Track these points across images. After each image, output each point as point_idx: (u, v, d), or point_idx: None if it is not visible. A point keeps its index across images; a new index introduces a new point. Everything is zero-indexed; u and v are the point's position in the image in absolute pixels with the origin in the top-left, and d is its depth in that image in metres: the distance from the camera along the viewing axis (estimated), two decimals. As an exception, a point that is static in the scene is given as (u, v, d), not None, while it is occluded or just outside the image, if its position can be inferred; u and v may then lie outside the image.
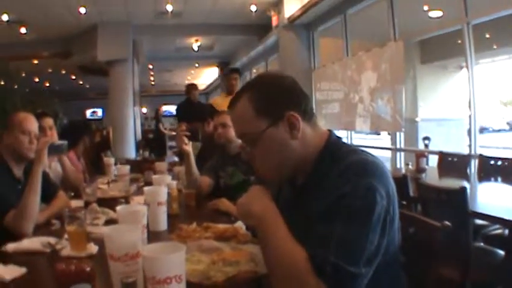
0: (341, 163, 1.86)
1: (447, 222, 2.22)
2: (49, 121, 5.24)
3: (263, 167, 2.04)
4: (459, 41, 8.70)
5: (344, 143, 2.07)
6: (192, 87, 10.98)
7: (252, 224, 1.95)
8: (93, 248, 2.74)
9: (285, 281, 1.70)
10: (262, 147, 1.97)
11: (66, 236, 2.85)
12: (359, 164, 1.83)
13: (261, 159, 2.02)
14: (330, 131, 2.09)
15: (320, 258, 1.63)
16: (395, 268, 1.98)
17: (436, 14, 10.85)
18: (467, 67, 8.25)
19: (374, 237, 1.71)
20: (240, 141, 2.08)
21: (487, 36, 12.69)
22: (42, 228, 3.40)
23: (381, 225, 1.74)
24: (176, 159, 9.46)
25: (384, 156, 6.52)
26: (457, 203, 3.78)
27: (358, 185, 1.74)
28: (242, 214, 1.99)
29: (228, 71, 7.51)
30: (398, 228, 1.93)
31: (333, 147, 2.00)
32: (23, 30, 14.80)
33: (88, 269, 1.73)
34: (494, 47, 14.26)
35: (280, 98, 1.97)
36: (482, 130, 10.73)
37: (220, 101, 7.65)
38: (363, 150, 1.98)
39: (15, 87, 14.41)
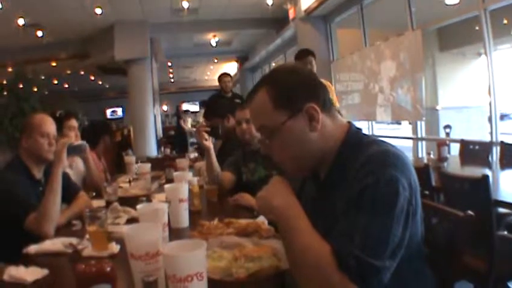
0: (362, 155, 1.84)
1: (470, 212, 2.19)
2: (74, 122, 5.28)
3: (282, 160, 2.03)
4: (477, 28, 8.63)
5: (364, 134, 2.05)
6: (221, 76, 10.18)
7: (273, 218, 1.92)
8: (114, 248, 2.74)
9: (309, 276, 1.69)
10: (281, 140, 1.96)
11: (87, 236, 2.86)
12: (380, 155, 1.81)
13: (280, 152, 2.01)
14: (349, 122, 2.07)
15: (344, 252, 1.62)
16: (419, 261, 1.96)
17: (452, 1, 10.77)
18: (485, 53, 8.18)
19: (398, 229, 1.69)
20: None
21: (505, 22, 12.59)
22: (63, 229, 3.41)
23: (404, 217, 1.72)
24: (197, 155, 9.47)
25: (405, 146, 6.49)
26: (479, 191, 3.74)
27: (380, 177, 1.72)
28: (262, 208, 1.98)
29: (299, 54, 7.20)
30: (421, 220, 1.90)
31: (354, 139, 1.99)
32: (39, 33, 14.84)
33: (108, 269, 1.72)
34: (512, 33, 14.15)
35: (298, 90, 1.96)
36: (503, 117, 10.66)
37: None
38: (383, 141, 1.96)
39: (35, 89, 14.50)
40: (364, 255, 1.61)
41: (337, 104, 6.89)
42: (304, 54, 6.77)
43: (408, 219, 1.75)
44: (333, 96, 6.73)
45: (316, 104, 1.94)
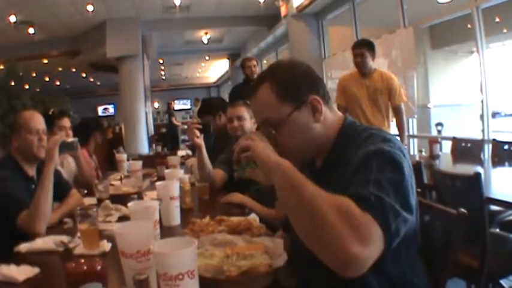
0: (360, 138, 1.91)
1: (463, 210, 2.18)
2: (66, 121, 5.28)
3: (287, 151, 2.01)
4: (469, 26, 8.66)
5: (359, 124, 2.10)
6: (244, 61, 8.88)
7: (274, 172, 1.81)
8: (106, 246, 2.74)
9: (328, 224, 1.54)
10: (286, 132, 2.00)
11: (79, 234, 2.85)
12: (380, 134, 1.89)
13: (285, 143, 2.03)
14: (345, 114, 2.14)
15: (363, 192, 1.61)
16: (414, 250, 1.97)
17: (444, -1, 10.80)
18: (477, 51, 8.21)
19: (408, 186, 1.71)
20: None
21: (497, 20, 12.63)
22: (55, 227, 3.40)
23: (410, 183, 1.75)
24: (190, 152, 9.47)
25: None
26: (471, 189, 3.74)
27: (382, 145, 1.78)
28: (261, 155, 1.88)
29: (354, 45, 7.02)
30: (417, 210, 1.90)
31: (350, 128, 2.05)
32: (31, 30, 14.85)
33: (99, 267, 1.72)
34: (504, 30, 14.20)
35: (300, 83, 2.02)
36: (495, 115, 10.70)
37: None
38: (379, 128, 2.01)
39: (26, 87, 14.46)
40: (382, 194, 1.60)
41: (405, 99, 6.78)
42: (356, 45, 6.73)
43: (412, 192, 1.76)
44: (400, 90, 6.66)
45: (318, 96, 2.01)
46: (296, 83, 2.02)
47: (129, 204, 2.86)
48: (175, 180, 3.79)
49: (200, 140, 4.43)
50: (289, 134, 2.00)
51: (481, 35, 8.07)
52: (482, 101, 8.23)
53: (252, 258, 2.06)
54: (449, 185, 4.10)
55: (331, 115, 2.07)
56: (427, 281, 2.03)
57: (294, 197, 1.70)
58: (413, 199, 1.78)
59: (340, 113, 2.14)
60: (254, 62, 8.55)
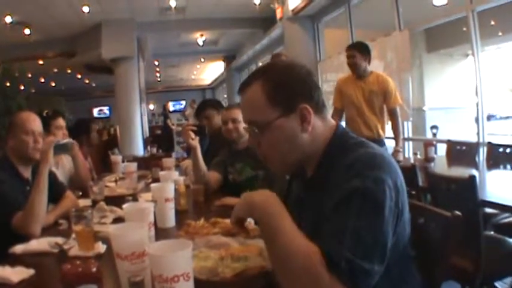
0: (348, 156, 1.83)
1: (458, 212, 2.19)
2: (61, 121, 5.28)
3: (267, 155, 2.03)
4: (464, 29, 8.67)
5: (351, 135, 2.04)
6: (273, 57, 8.18)
7: (254, 216, 1.89)
8: (101, 247, 2.73)
9: (295, 277, 1.64)
10: (269, 136, 1.96)
11: (73, 235, 2.84)
12: (367, 158, 1.81)
13: (267, 148, 2.00)
14: (337, 123, 2.07)
15: (335, 254, 1.59)
16: (406, 262, 1.96)
17: (440, 1, 10.80)
18: (473, 54, 8.21)
19: (387, 231, 1.69)
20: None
21: (492, 23, 12.66)
22: (49, 229, 3.39)
23: (392, 219, 1.72)
24: (185, 154, 9.45)
25: (391, 146, 6.50)
26: (466, 192, 3.75)
27: (367, 179, 1.71)
28: (242, 206, 1.93)
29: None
30: (408, 222, 1.90)
31: (340, 140, 1.98)
32: (27, 31, 14.83)
33: (94, 269, 1.71)
34: (500, 34, 14.23)
35: (294, 89, 1.95)
36: (489, 118, 10.72)
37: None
38: (369, 143, 1.95)
39: (21, 88, 14.45)
40: (355, 257, 1.59)
41: (400, 102, 6.77)
42: (348, 47, 6.75)
43: (396, 220, 1.75)
44: (395, 93, 6.66)
45: (310, 105, 1.94)
46: (290, 87, 1.95)
47: (124, 206, 2.86)
48: (170, 182, 3.80)
49: (195, 142, 4.43)
50: (272, 139, 1.96)
51: (476, 38, 8.08)
52: (477, 104, 8.24)
53: (247, 260, 2.07)
54: (444, 188, 4.10)
55: (321, 126, 2.00)
56: (421, 286, 2.02)
57: (269, 243, 1.78)
58: (401, 222, 1.81)
59: (332, 122, 2.07)
60: (284, 58, 7.92)
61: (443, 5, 10.49)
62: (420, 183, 4.68)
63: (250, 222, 2.82)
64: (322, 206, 1.80)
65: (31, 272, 2.36)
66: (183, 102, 35.17)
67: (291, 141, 1.95)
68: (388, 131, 6.87)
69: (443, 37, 13.71)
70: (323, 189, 1.88)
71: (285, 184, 2.40)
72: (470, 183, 3.72)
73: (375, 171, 1.74)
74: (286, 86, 1.95)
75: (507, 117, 21.93)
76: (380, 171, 1.74)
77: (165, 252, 1.79)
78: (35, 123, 3.72)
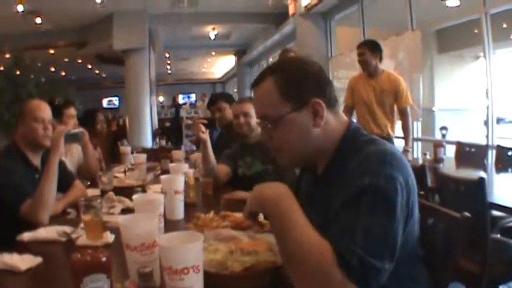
0: (360, 153, 1.83)
1: (467, 214, 2.18)
2: (72, 110, 5.29)
3: (280, 151, 2.03)
4: (476, 31, 8.65)
5: (363, 132, 2.04)
6: (282, 52, 7.98)
7: (265, 211, 1.89)
8: (109, 237, 2.75)
9: (307, 273, 1.64)
10: (282, 131, 1.96)
11: (81, 225, 2.85)
12: (378, 155, 1.81)
13: (280, 143, 2.01)
14: (349, 119, 2.07)
15: (346, 252, 1.59)
16: (415, 262, 1.96)
17: (453, 3, 10.78)
18: (484, 57, 8.20)
19: (398, 229, 1.69)
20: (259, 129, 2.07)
21: (504, 26, 12.60)
22: (58, 218, 3.41)
23: (404, 217, 1.73)
24: (194, 147, 9.45)
25: (400, 145, 6.48)
26: (475, 193, 3.74)
27: (378, 176, 1.71)
28: (253, 201, 1.93)
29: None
30: (417, 221, 1.91)
31: (352, 137, 1.98)
32: (38, 20, 14.83)
33: (104, 259, 1.71)
34: (511, 37, 14.17)
35: (306, 84, 1.95)
36: (499, 121, 10.69)
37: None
38: (381, 140, 1.95)
39: (32, 77, 14.47)
40: (366, 255, 1.59)
41: (411, 102, 6.76)
42: (359, 45, 6.77)
43: (406, 219, 1.75)
44: (406, 93, 6.66)
45: (323, 100, 1.94)
46: (302, 82, 1.95)
47: (134, 196, 2.87)
48: (180, 174, 3.80)
49: (205, 135, 4.43)
50: (285, 133, 1.97)
51: (488, 41, 8.06)
52: (487, 107, 8.22)
53: (257, 255, 2.06)
54: (452, 189, 4.09)
55: (334, 121, 2.00)
56: (428, 286, 2.02)
57: (280, 238, 1.77)
58: (412, 221, 1.83)
59: (345, 118, 2.07)
60: (293, 54, 7.75)
61: (456, 7, 10.46)
62: (429, 183, 4.67)
63: (260, 216, 2.83)
64: (331, 202, 1.80)
65: (39, 260, 2.37)
66: (193, 96, 35.17)
67: (303, 136, 1.96)
68: (398, 131, 6.86)
69: (455, 39, 13.68)
70: (334, 186, 1.88)
71: (294, 179, 2.40)
72: (479, 185, 3.71)
73: (387, 168, 1.74)
74: (299, 81, 1.95)
75: (516, 121, 21.88)
76: (392, 169, 1.74)
77: (176, 244, 1.80)
78: (45, 110, 3.73)
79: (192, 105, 28.57)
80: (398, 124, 6.84)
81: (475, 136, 11.00)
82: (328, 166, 2.01)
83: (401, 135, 6.73)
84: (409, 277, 1.90)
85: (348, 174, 1.80)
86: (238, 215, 2.83)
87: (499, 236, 4.37)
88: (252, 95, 2.14)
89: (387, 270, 1.65)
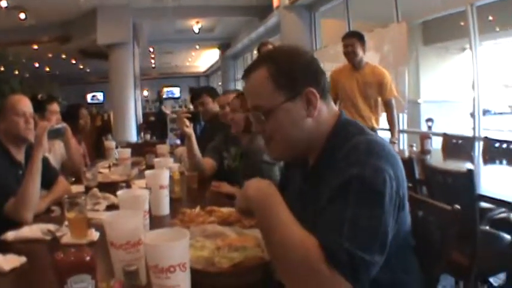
0: (348, 143, 1.81)
1: (458, 206, 2.16)
2: (55, 106, 5.26)
3: (273, 143, 2.00)
4: (461, 23, 8.67)
5: (353, 123, 2.02)
6: (260, 45, 8.09)
7: (251, 208, 1.85)
8: (94, 235, 2.71)
9: (294, 270, 1.61)
10: (275, 121, 1.93)
11: (66, 222, 2.80)
12: (366, 145, 1.78)
13: (272, 134, 1.97)
14: (340, 111, 2.05)
15: (334, 246, 1.55)
16: (407, 253, 1.94)
17: (439, -6, 10.81)
18: (471, 48, 8.22)
19: (387, 221, 1.65)
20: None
21: (490, 18, 12.64)
22: (42, 215, 3.36)
23: (393, 208, 1.70)
24: (178, 141, 9.43)
25: (386, 137, 6.47)
26: (463, 185, 3.74)
27: (365, 167, 1.69)
28: (242, 197, 1.92)
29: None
30: (408, 212, 1.89)
31: (342, 128, 1.96)
32: (22, 15, 14.75)
33: (88, 258, 1.67)
34: (497, 29, 14.23)
35: (300, 73, 1.93)
36: (485, 112, 10.75)
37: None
38: (370, 132, 1.94)
39: (16, 72, 14.40)
40: (355, 249, 1.55)
41: (395, 94, 6.76)
42: (346, 36, 6.77)
43: (396, 210, 1.73)
44: (391, 85, 6.64)
45: (316, 90, 1.91)
46: (295, 71, 1.92)
47: (119, 192, 2.84)
48: (165, 169, 3.76)
49: (190, 130, 4.42)
50: (278, 123, 1.93)
51: (474, 33, 8.07)
52: (474, 99, 8.24)
53: (245, 251, 2.02)
54: (440, 181, 4.09)
55: (326, 111, 1.97)
56: (420, 277, 2.01)
57: (265, 236, 1.76)
58: (403, 212, 1.82)
59: (335, 109, 2.05)
60: (270, 46, 7.91)
61: (441, -2, 10.48)
62: (417, 175, 4.66)
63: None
64: (321, 196, 1.78)
65: (23, 259, 2.33)
66: (177, 89, 35.24)
67: (296, 126, 1.93)
68: (382, 123, 6.85)
69: (440, 31, 13.72)
70: (324, 178, 1.86)
71: (274, 173, 2.37)
72: (467, 177, 3.71)
73: (374, 159, 1.72)
74: (292, 70, 1.92)
75: (501, 113, 22.07)
76: (380, 160, 1.72)
77: (162, 241, 1.76)
78: (26, 104, 3.69)
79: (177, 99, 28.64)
80: (383, 116, 6.84)
81: (461, 128, 11.04)
82: (318, 158, 1.99)
83: (387, 127, 6.72)
84: (401, 269, 1.88)
85: (336, 164, 1.78)
86: (225, 210, 2.81)
87: (487, 228, 4.38)
88: (244, 84, 2.09)
89: (378, 263, 1.62)
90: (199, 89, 6.88)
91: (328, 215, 1.66)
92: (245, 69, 2.03)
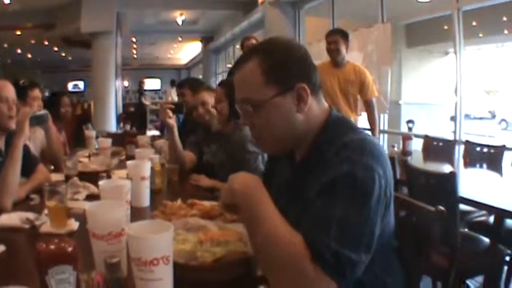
0: (339, 141, 1.79)
1: (441, 207, 2.17)
2: (37, 92, 5.20)
3: (262, 137, 1.99)
4: (445, 27, 8.73)
5: (345, 119, 2.03)
6: (244, 40, 7.96)
7: (237, 203, 1.83)
8: (73, 225, 2.68)
9: (278, 266, 1.60)
10: (264, 115, 1.90)
11: (45, 211, 2.77)
12: (357, 143, 1.77)
13: (261, 129, 1.95)
14: (330, 107, 2.04)
15: (320, 246, 1.54)
16: (390, 253, 1.95)
17: (425, -3, 10.85)
18: (455, 53, 8.28)
19: (375, 220, 1.65)
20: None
21: (474, 24, 12.73)
22: (21, 203, 3.30)
23: (380, 207, 1.69)
24: (158, 133, 9.41)
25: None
26: (445, 187, 3.75)
27: (356, 165, 1.68)
28: (227, 191, 1.89)
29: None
30: (393, 212, 1.89)
31: (333, 124, 1.95)
32: (6, 1, 14.62)
33: (70, 249, 1.64)
34: (480, 35, 14.33)
35: (292, 68, 1.90)
36: (465, 117, 10.86)
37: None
38: (361, 129, 1.94)
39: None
40: (341, 248, 1.54)
41: (376, 94, 6.79)
42: (330, 33, 6.81)
43: (385, 210, 1.73)
44: (372, 85, 6.66)
45: (307, 85, 1.89)
46: (287, 65, 1.89)
47: (101, 182, 2.81)
48: (147, 160, 3.74)
49: (172, 121, 4.42)
50: (267, 118, 1.90)
51: (460, 37, 8.12)
52: (456, 103, 8.28)
53: (227, 245, 2.00)
54: (423, 182, 4.10)
55: (317, 108, 1.95)
56: (402, 279, 2.01)
57: (250, 231, 1.77)
58: (389, 211, 1.82)
59: (326, 106, 2.02)
60: (254, 41, 7.87)
61: (428, 2, 10.51)
62: (398, 176, 4.69)
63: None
64: (309, 191, 1.77)
65: (2, 248, 2.30)
66: (158, 81, 35.24)
67: (286, 121, 1.90)
68: (362, 122, 6.87)
69: (424, 34, 13.79)
70: (312, 174, 1.85)
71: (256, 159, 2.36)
72: (450, 179, 3.73)
73: (365, 157, 1.70)
74: (285, 65, 1.90)
75: (481, 118, 22.32)
76: (370, 159, 1.71)
77: (146, 233, 1.73)
78: (9, 90, 3.60)
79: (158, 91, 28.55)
80: (363, 116, 6.86)
81: (440, 131, 11.11)
82: (307, 153, 1.97)
83: (367, 127, 6.72)
84: (384, 269, 1.87)
85: (326, 161, 1.76)
86: (206, 203, 2.79)
87: (466, 230, 4.40)
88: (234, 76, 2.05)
89: (364, 262, 1.61)
90: (185, 79, 6.88)
91: (316, 212, 1.65)
92: (236, 60, 2.01)
